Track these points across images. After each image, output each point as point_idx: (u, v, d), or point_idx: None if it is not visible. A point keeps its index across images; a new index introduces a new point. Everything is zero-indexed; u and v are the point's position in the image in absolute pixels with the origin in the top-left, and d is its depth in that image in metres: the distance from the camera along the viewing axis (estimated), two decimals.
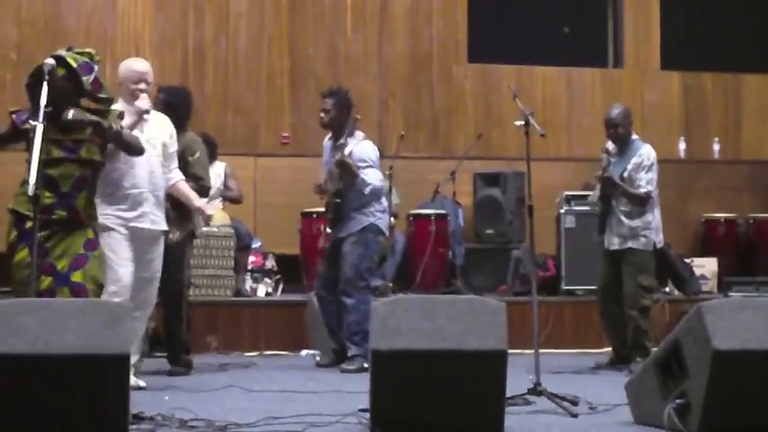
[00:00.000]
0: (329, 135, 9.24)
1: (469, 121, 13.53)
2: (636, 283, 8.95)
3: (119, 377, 4.94)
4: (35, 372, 4.85)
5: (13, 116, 6.40)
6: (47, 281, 6.21)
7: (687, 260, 12.12)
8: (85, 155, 6.35)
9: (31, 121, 5.92)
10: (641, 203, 9.07)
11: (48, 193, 6.13)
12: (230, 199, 11.05)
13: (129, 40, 12.80)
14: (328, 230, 9.18)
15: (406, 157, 12.19)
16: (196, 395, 7.09)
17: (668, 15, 14.27)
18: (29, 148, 6.23)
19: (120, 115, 6.66)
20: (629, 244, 9.05)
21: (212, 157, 10.87)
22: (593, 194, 9.37)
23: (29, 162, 6.16)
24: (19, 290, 6.17)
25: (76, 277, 6.25)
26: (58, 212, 6.21)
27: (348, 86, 9.56)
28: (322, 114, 9.14)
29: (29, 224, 6.08)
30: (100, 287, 6.44)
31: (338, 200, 9.01)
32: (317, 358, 9.43)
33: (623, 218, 9.08)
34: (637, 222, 9.07)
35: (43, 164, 5.98)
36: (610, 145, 9.19)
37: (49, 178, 6.10)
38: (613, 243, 9.10)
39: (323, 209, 9.49)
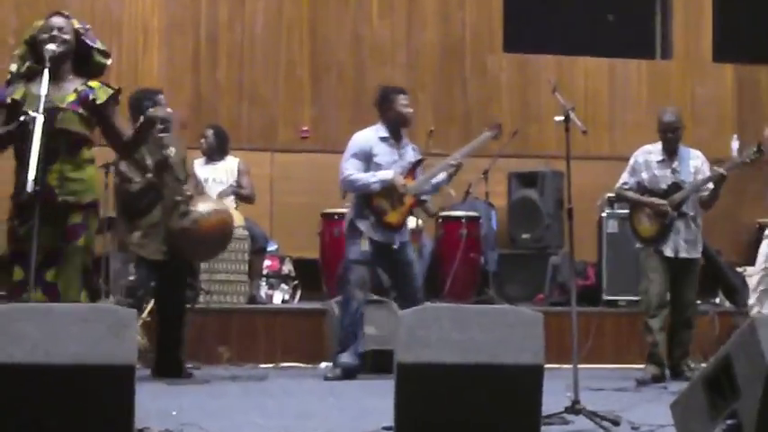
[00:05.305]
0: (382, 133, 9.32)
1: (505, 116, 13.45)
2: (695, 292, 9.26)
3: (123, 389, 4.95)
4: (34, 382, 4.87)
5: None
6: (18, 273, 6.18)
7: (739, 269, 12.07)
8: (59, 124, 6.19)
9: (30, 113, 5.91)
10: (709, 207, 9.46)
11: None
12: (242, 197, 11.05)
13: (136, 25, 12.84)
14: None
15: (435, 154, 12.14)
16: (206, 410, 7.09)
17: (722, 2, 14.23)
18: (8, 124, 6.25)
19: (114, 95, 6.51)
20: (694, 253, 9.25)
21: (223, 151, 10.95)
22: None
23: (17, 151, 6.18)
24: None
25: (49, 276, 6.20)
26: (26, 192, 5.61)
27: (374, 77, 9.58)
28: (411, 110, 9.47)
29: (16, 221, 6.14)
30: (91, 290, 6.45)
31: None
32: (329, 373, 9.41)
33: (692, 223, 9.24)
34: (698, 228, 9.31)
35: (8, 136, 5.98)
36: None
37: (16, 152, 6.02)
38: (681, 250, 9.26)
39: (342, 210, 9.50)
